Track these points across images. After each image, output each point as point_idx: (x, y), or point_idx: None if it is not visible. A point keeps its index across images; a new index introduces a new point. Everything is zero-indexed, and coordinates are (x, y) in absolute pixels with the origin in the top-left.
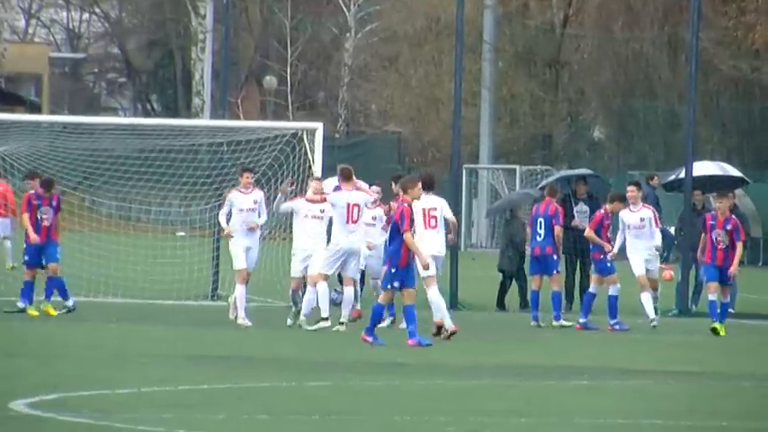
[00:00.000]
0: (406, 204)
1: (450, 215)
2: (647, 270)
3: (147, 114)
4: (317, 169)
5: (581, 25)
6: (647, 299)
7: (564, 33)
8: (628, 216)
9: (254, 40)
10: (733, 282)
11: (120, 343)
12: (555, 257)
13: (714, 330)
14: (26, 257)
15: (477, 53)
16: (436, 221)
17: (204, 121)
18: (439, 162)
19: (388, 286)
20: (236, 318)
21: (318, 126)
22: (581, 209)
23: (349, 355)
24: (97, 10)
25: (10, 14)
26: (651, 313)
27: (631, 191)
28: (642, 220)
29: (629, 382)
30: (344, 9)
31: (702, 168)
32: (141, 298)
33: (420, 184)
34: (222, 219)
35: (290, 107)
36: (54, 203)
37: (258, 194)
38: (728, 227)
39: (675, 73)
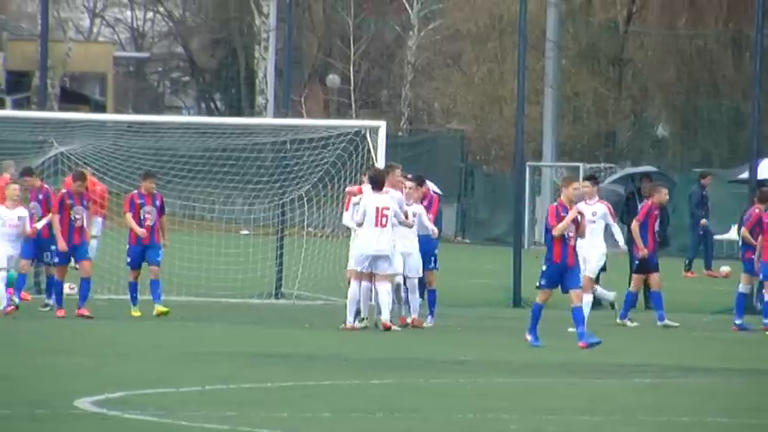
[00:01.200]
0: (556, 203)
1: (401, 216)
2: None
3: (210, 113)
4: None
5: (645, 22)
6: (587, 301)
7: (627, 30)
8: (583, 210)
9: (317, 39)
10: None
11: (184, 341)
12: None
13: None
14: (129, 259)
15: (540, 51)
16: (387, 220)
17: (268, 120)
18: (502, 160)
19: (539, 284)
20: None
21: (382, 124)
22: None
23: (411, 352)
24: (161, 9)
25: (75, 14)
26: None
27: (585, 185)
28: (594, 214)
29: (692, 380)
30: (407, 7)
31: None
32: (205, 296)
33: (575, 184)
34: (350, 222)
35: (353, 105)
36: (158, 203)
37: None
38: None
39: (740, 70)
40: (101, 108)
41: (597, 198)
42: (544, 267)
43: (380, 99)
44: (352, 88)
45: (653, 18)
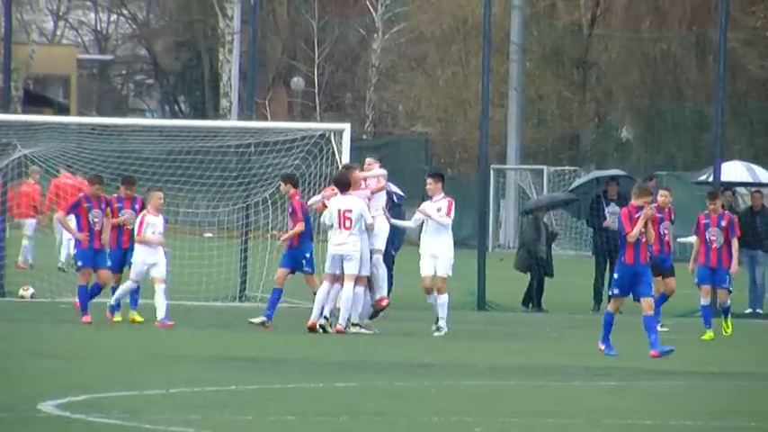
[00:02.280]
0: (627, 207)
1: (368, 217)
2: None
3: (174, 116)
4: None
5: (608, 25)
6: (440, 301)
7: (591, 34)
8: (428, 206)
9: (281, 42)
10: (730, 282)
11: (149, 344)
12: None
13: (708, 337)
14: (109, 263)
15: (504, 54)
16: (351, 223)
17: (232, 123)
18: (466, 162)
19: (611, 293)
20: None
21: (346, 127)
22: (612, 210)
23: (376, 355)
24: (125, 11)
25: (38, 16)
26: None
27: (429, 183)
28: (439, 210)
29: (657, 383)
30: (372, 10)
31: (732, 171)
32: (169, 299)
33: (646, 197)
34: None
35: (317, 108)
36: (137, 207)
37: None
38: (723, 224)
39: (703, 73)
40: (64, 111)
41: (442, 194)
42: (616, 275)
43: (345, 102)
44: (316, 91)
45: (617, 21)
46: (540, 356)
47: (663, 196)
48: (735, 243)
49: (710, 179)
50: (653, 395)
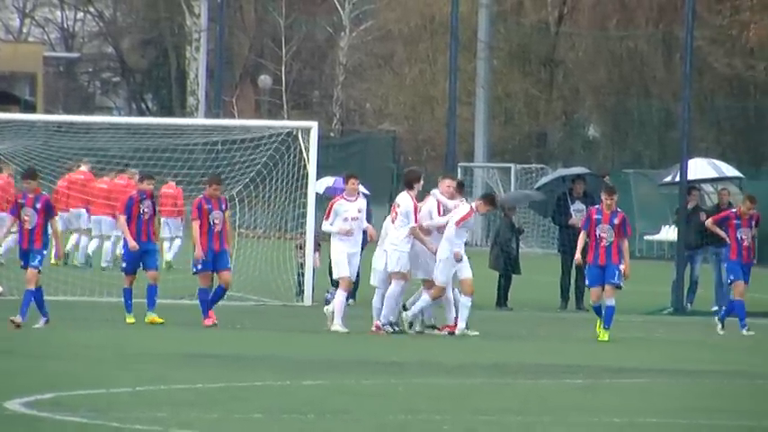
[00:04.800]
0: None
1: (411, 219)
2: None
3: (141, 113)
4: (311, 169)
5: (576, 23)
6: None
7: (558, 32)
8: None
9: (248, 39)
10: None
11: (115, 342)
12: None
13: (603, 338)
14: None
15: (471, 52)
16: (396, 217)
17: (199, 120)
18: (434, 160)
19: None
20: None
21: (313, 125)
22: (578, 207)
23: (344, 353)
24: (91, 9)
25: (4, 14)
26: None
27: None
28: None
29: (623, 381)
30: (339, 8)
31: (697, 169)
32: (135, 297)
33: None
34: (327, 227)
35: (284, 106)
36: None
37: (362, 203)
38: (615, 221)
39: (670, 71)
40: (31, 108)
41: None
42: None
43: (312, 100)
44: (283, 89)
45: (584, 19)
46: (508, 354)
47: (750, 202)
48: (625, 243)
49: (676, 179)
50: (619, 392)
